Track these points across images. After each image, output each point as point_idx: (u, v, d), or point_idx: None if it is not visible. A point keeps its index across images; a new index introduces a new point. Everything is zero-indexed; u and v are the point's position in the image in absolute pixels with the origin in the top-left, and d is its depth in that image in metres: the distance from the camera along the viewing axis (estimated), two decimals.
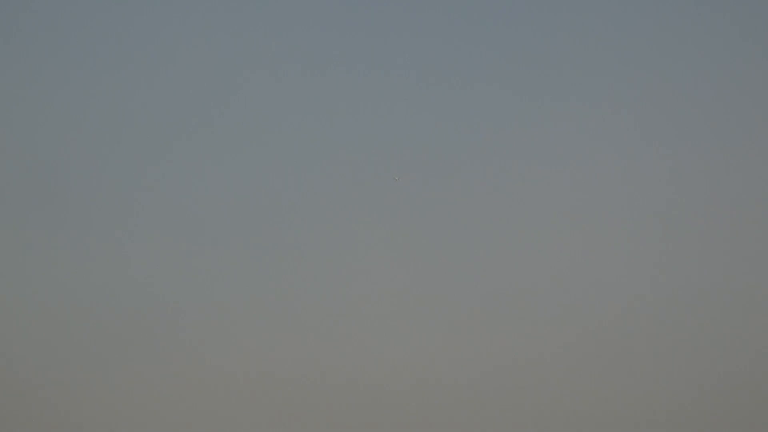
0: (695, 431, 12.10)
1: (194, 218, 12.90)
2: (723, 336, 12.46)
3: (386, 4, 13.34)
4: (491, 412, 12.21)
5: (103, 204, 12.79)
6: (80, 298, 12.32)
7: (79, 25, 13.01)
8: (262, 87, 13.17)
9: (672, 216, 12.95)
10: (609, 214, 13.03)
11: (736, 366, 12.41)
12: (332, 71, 13.28)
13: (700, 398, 12.11)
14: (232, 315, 12.46)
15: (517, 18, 13.43)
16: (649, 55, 13.47)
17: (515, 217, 13.03)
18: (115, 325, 12.23)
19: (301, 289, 12.56)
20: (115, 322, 12.24)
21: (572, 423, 12.17)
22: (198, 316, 12.37)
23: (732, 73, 13.30)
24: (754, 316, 12.52)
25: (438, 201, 13.15)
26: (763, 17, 13.31)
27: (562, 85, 13.44)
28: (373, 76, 13.28)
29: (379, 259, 12.74)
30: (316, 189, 13.00)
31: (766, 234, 12.80)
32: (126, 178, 12.81)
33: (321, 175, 13.11)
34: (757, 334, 12.44)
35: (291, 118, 13.28)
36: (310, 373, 12.26)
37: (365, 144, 13.51)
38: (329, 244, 12.93)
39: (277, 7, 13.49)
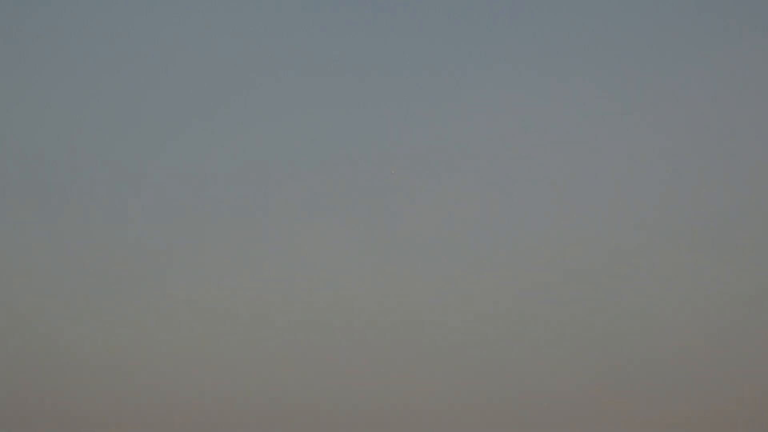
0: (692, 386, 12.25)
1: (191, 192, 13.21)
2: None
3: (377, 6, 13.40)
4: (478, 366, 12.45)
5: (106, 179, 13.14)
6: (82, 250, 12.78)
7: (83, 24, 13.12)
8: (258, 84, 13.31)
9: (669, 218, 13.01)
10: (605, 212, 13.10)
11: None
12: (324, 70, 13.39)
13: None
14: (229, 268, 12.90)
15: (513, 17, 13.47)
16: (646, 52, 13.51)
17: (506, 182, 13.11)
18: (113, 272, 12.77)
19: (295, 249, 12.93)
20: (113, 269, 12.78)
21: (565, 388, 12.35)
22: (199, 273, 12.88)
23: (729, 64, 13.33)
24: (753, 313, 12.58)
25: (433, 194, 13.26)
26: (763, 17, 13.35)
27: (561, 83, 13.49)
28: (365, 75, 13.36)
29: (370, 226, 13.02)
30: (304, 167, 13.25)
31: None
32: (129, 160, 13.12)
33: (307, 154, 13.36)
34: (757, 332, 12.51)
35: (288, 113, 13.44)
36: (302, 316, 12.63)
37: (355, 139, 13.64)
38: (320, 211, 13.22)
39: (274, 7, 13.56)
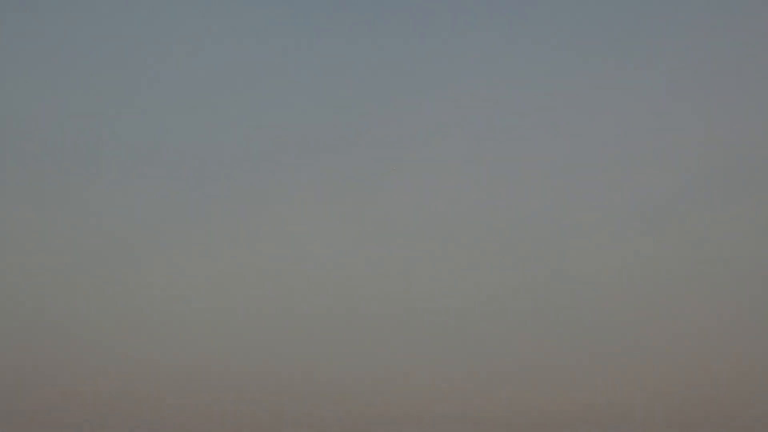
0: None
1: (185, 167, 13.36)
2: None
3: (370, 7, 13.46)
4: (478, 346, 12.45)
5: (95, 166, 13.26)
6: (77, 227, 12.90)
7: (81, 15, 13.22)
8: (255, 73, 13.40)
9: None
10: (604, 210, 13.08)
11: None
12: (322, 62, 13.46)
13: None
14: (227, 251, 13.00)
15: (511, 16, 13.51)
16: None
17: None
18: (101, 260, 12.86)
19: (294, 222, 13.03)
20: (100, 257, 12.87)
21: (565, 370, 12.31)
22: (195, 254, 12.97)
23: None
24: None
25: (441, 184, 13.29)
26: (763, 17, 13.38)
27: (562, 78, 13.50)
28: (362, 68, 13.42)
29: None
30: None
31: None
32: (121, 148, 13.25)
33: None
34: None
35: (285, 100, 13.54)
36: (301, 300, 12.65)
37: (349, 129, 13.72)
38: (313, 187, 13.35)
39: (269, 6, 13.64)
